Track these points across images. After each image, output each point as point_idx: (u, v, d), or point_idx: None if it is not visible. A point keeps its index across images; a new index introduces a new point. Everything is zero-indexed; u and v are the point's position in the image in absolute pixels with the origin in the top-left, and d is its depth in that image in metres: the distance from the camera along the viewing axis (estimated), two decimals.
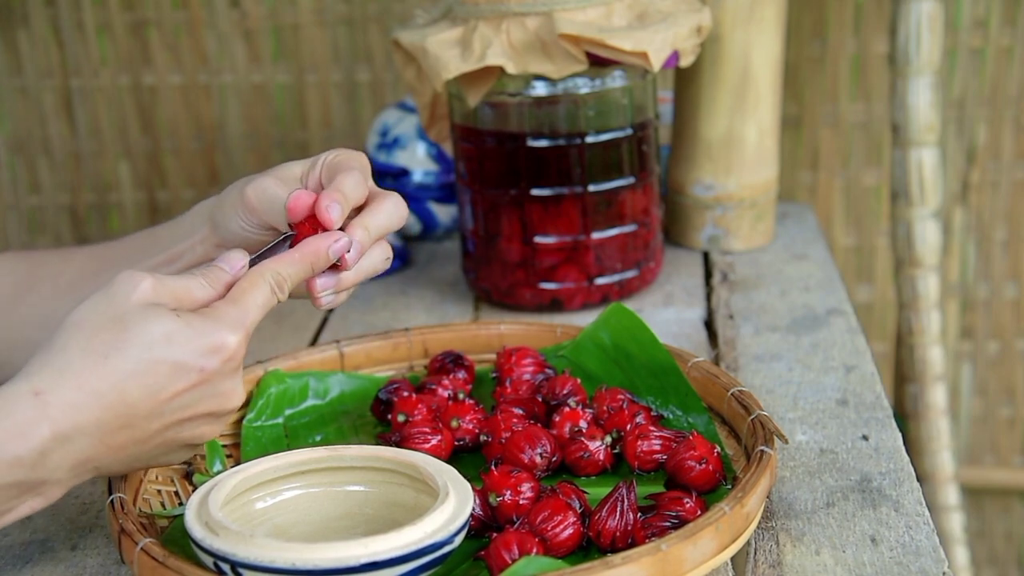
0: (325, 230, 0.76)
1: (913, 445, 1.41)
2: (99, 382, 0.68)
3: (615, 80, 1.06)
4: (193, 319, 0.70)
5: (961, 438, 1.63)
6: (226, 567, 0.66)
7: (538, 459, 0.80)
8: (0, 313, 0.90)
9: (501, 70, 1.02)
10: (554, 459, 0.81)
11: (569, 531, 0.71)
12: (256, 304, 0.73)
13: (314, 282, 0.77)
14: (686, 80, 1.23)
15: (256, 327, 0.74)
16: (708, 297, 1.15)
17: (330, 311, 1.16)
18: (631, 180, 1.10)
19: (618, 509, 0.72)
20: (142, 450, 0.71)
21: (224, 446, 0.86)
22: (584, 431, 0.82)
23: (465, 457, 0.85)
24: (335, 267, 0.77)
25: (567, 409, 0.84)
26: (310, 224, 0.76)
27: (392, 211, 0.79)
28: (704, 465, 0.76)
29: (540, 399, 0.87)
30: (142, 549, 0.68)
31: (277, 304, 0.74)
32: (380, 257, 0.80)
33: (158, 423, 0.70)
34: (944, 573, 0.70)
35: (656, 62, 1.01)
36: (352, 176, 0.77)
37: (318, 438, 0.88)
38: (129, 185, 1.62)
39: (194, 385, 0.70)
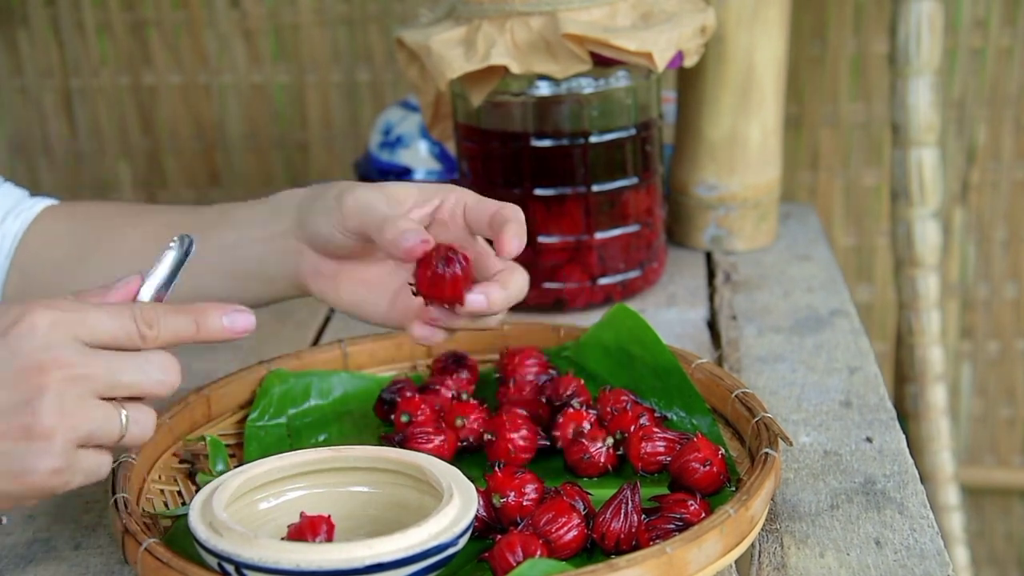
0: (439, 273, 0.74)
1: (913, 445, 1.41)
2: None
3: (619, 80, 1.06)
4: (14, 303, 0.66)
5: (961, 438, 1.63)
6: (230, 568, 0.66)
7: (521, 442, 0.81)
8: (65, 271, 0.88)
9: (505, 70, 1.02)
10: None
11: (573, 533, 0.71)
12: (98, 308, 0.66)
13: (413, 329, 0.76)
14: (690, 80, 1.23)
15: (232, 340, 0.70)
16: (711, 298, 1.15)
17: (332, 311, 1.16)
18: (635, 180, 1.10)
19: (622, 511, 0.71)
20: None
21: (227, 446, 0.86)
22: (587, 432, 0.82)
23: (468, 458, 0.84)
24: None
25: (571, 410, 0.84)
26: (424, 266, 0.75)
27: (522, 287, 0.78)
28: (708, 467, 0.76)
29: (544, 400, 0.87)
30: (146, 549, 0.68)
31: (139, 338, 0.67)
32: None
33: None
34: None
35: (660, 62, 1.01)
36: (519, 234, 0.76)
37: (321, 438, 0.88)
38: (129, 185, 1.62)
39: None
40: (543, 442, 0.83)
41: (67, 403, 0.64)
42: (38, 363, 0.64)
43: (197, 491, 0.78)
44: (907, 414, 1.44)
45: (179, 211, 0.91)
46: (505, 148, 1.08)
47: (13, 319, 0.64)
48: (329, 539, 0.68)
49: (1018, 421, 1.62)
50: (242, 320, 0.71)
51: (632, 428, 0.81)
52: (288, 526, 0.69)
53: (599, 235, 1.10)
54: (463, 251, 0.76)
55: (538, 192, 1.08)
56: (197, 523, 0.68)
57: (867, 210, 1.56)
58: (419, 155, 1.31)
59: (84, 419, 0.65)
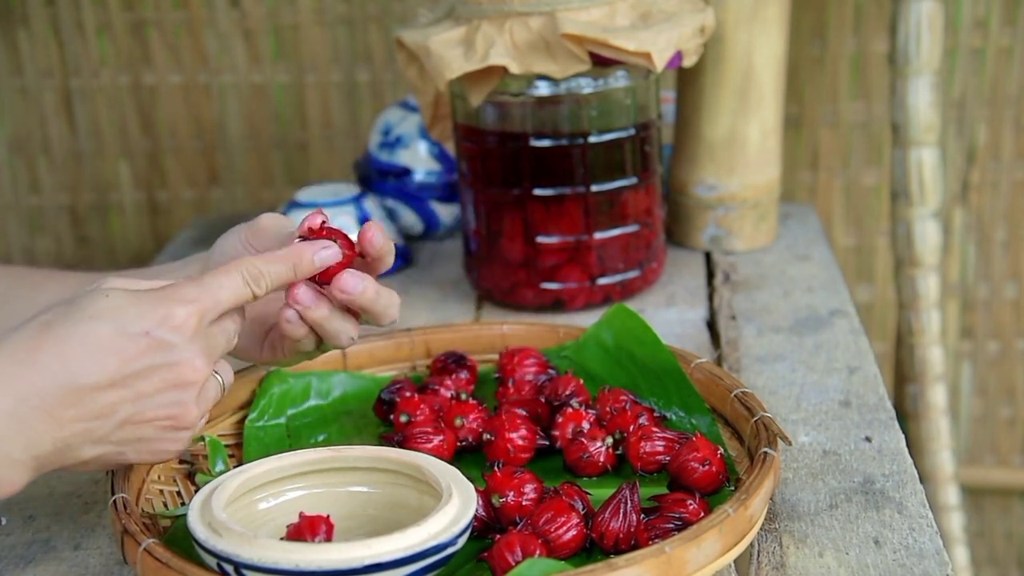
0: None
1: (913, 445, 1.41)
2: (38, 350, 0.67)
3: (618, 80, 1.06)
4: (144, 295, 0.70)
5: (961, 438, 1.63)
6: (229, 568, 0.66)
7: (520, 442, 0.81)
8: None
9: (504, 70, 1.02)
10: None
11: (572, 532, 0.71)
12: (219, 285, 0.72)
13: (294, 289, 0.77)
14: (689, 80, 1.23)
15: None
16: (710, 298, 1.15)
17: None
18: (634, 180, 1.10)
19: (621, 511, 0.72)
20: (104, 429, 0.69)
21: (227, 446, 0.86)
22: (586, 432, 0.82)
23: (468, 458, 0.84)
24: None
25: (570, 410, 0.84)
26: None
27: (390, 304, 0.81)
28: (707, 467, 0.76)
29: (543, 400, 0.87)
30: (145, 550, 0.68)
31: (253, 298, 0.74)
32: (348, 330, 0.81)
33: (111, 395, 0.68)
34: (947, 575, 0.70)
35: (660, 62, 1.01)
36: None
37: (320, 438, 0.88)
38: (129, 185, 1.62)
39: (142, 353, 0.68)
40: (542, 442, 0.83)
41: (203, 394, 0.72)
42: (186, 360, 0.70)
43: (196, 491, 0.78)
44: (907, 414, 1.44)
45: (90, 274, 0.92)
46: (504, 148, 1.08)
47: (160, 317, 0.69)
48: (328, 539, 0.68)
49: (1018, 421, 1.62)
50: (329, 255, 0.77)
51: (631, 428, 0.81)
52: (287, 526, 0.69)
53: (598, 235, 1.10)
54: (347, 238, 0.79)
55: (537, 192, 1.08)
56: (196, 523, 0.68)
57: (867, 210, 1.56)
58: (418, 155, 1.31)
59: (210, 402, 0.74)
